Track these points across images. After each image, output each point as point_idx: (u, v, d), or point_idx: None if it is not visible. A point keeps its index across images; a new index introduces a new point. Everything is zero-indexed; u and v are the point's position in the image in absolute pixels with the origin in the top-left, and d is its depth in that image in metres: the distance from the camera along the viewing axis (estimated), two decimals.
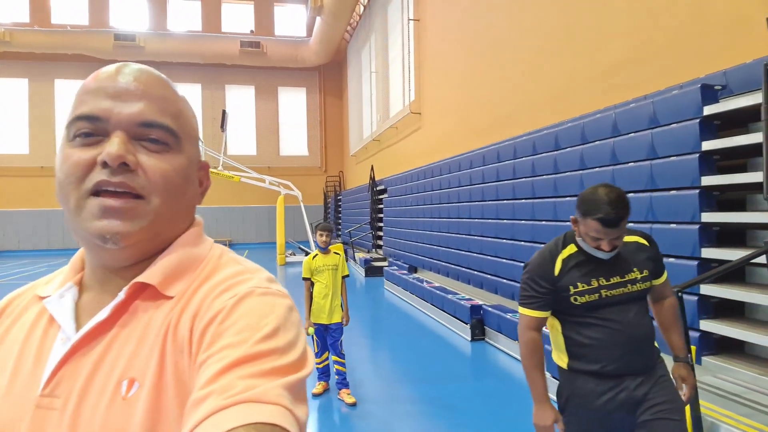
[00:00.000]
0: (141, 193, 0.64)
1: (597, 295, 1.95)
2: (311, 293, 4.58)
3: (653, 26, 5.31)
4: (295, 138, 27.09)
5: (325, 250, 4.64)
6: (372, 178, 16.42)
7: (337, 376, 4.61)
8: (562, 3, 6.89)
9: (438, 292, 7.85)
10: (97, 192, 0.63)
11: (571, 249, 2.03)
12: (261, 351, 0.56)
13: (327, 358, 4.71)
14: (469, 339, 6.52)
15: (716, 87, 4.01)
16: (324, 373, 4.75)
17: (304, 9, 26.08)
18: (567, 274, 2.00)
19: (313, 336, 4.63)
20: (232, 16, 25.65)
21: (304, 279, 4.61)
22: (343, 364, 4.60)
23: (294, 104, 27.08)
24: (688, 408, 2.90)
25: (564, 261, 2.02)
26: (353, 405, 4.42)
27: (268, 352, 0.56)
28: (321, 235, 4.62)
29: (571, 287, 1.97)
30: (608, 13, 5.97)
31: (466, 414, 4.17)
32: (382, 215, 15.24)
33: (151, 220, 0.65)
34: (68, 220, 0.67)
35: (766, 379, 3.36)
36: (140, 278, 0.66)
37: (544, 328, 2.10)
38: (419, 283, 8.76)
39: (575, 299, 1.97)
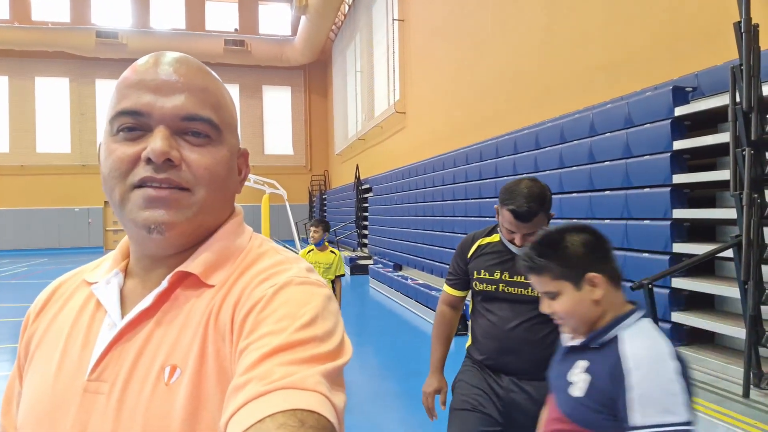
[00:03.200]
0: (186, 187, 0.65)
1: (495, 287, 1.97)
2: None
3: (629, 30, 5.48)
4: (279, 137, 27.02)
5: (320, 247, 4.57)
6: (357, 177, 16.49)
7: None
8: (544, 6, 7.05)
9: (423, 289, 7.97)
10: (141, 185, 0.64)
11: (494, 238, 2.05)
12: (300, 339, 0.56)
13: None
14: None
15: (687, 89, 4.17)
16: None
17: (288, 8, 26.04)
18: (477, 258, 2.04)
19: None
20: (216, 14, 25.48)
21: None
22: None
23: (279, 103, 27.01)
24: None
25: (480, 246, 2.06)
26: None
27: (307, 340, 0.57)
28: (315, 231, 4.55)
29: (475, 272, 2.02)
30: (587, 17, 6.13)
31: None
32: (367, 214, 15.33)
33: (195, 212, 0.66)
34: (114, 211, 0.68)
35: (735, 368, 3.52)
36: (182, 267, 0.67)
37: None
38: (404, 281, 8.87)
39: (476, 285, 2.02)
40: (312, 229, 4.57)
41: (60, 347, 0.69)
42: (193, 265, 0.67)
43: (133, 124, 0.65)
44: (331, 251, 4.65)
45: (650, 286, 3.01)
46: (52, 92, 23.61)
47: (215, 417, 0.59)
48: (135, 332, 0.65)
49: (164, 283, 0.66)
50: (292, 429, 0.47)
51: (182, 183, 0.65)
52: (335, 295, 4.66)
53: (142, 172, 0.63)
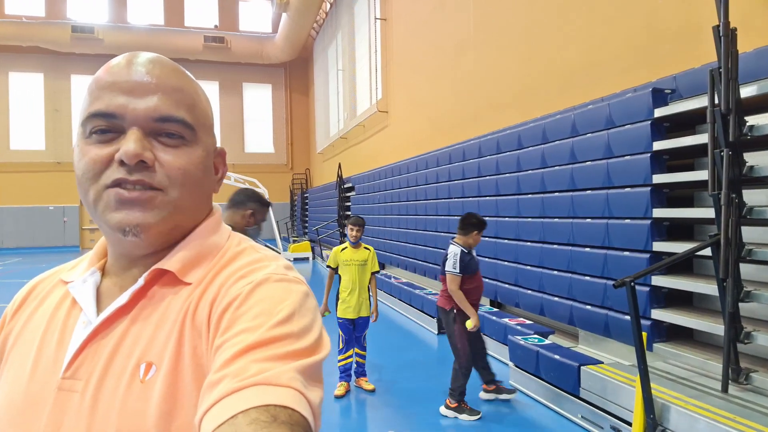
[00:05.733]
0: (159, 187, 0.65)
1: None
2: (332, 282, 4.68)
3: (609, 33, 5.57)
4: (260, 135, 26.80)
5: (355, 244, 4.62)
6: (340, 176, 16.45)
7: (356, 366, 4.69)
8: (525, 6, 7.11)
9: (406, 287, 7.99)
10: (114, 186, 0.64)
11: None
12: (275, 335, 0.57)
13: (351, 356, 4.66)
14: (436, 333, 6.68)
15: (666, 90, 4.26)
16: (345, 372, 4.64)
17: (269, 5, 25.83)
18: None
19: (339, 331, 4.66)
20: (196, 10, 25.15)
21: (329, 267, 4.69)
22: (363, 357, 4.69)
23: (259, 101, 26.79)
24: (639, 390, 3.11)
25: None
26: (372, 391, 4.54)
27: (283, 337, 0.57)
28: (351, 230, 4.58)
29: None
30: (568, 19, 6.21)
31: (427, 400, 4.31)
32: (350, 213, 15.30)
33: (170, 212, 0.67)
34: (89, 213, 0.68)
35: (714, 363, 3.61)
36: (159, 265, 0.67)
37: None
38: (387, 280, 8.88)
39: None
40: (351, 227, 4.59)
41: (35, 346, 0.68)
42: (170, 262, 0.68)
43: (106, 126, 0.64)
44: (365, 248, 4.70)
45: (632, 284, 3.07)
46: (26, 88, 23.07)
47: (191, 413, 0.59)
48: (110, 330, 0.65)
49: (141, 281, 0.66)
50: (264, 424, 0.48)
51: (155, 184, 0.65)
52: (371, 291, 4.67)
53: (116, 173, 0.63)
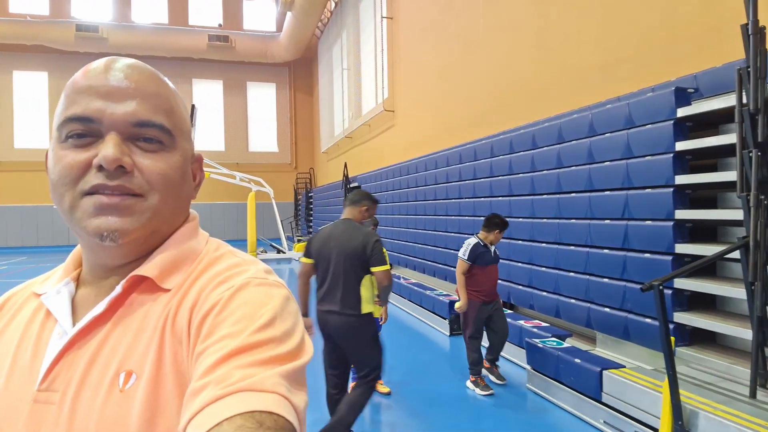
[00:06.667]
0: (138, 193, 0.64)
1: None
2: None
3: (625, 31, 5.50)
4: (264, 134, 26.77)
5: None
6: (346, 175, 16.40)
7: None
8: (537, 4, 7.05)
9: (416, 288, 7.93)
10: (92, 192, 0.63)
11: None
12: (258, 341, 0.56)
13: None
14: (448, 334, 6.62)
15: (689, 90, 4.19)
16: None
17: (273, 4, 25.79)
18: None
19: None
20: (200, 9, 25.14)
21: None
22: None
23: (263, 100, 26.76)
24: (666, 395, 3.05)
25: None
26: (388, 394, 4.51)
27: (265, 342, 0.56)
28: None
29: None
30: (582, 17, 6.15)
31: (442, 403, 4.25)
32: None
33: (149, 217, 0.65)
34: (64, 219, 0.66)
35: (738, 368, 3.54)
36: (137, 271, 0.66)
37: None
38: (396, 280, 8.82)
39: None
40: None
41: (9, 359, 0.67)
42: (148, 268, 0.66)
43: (83, 130, 0.63)
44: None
45: (661, 287, 3.00)
46: (30, 87, 23.07)
47: (173, 421, 0.58)
48: (87, 339, 0.64)
49: (118, 288, 0.65)
50: (250, 430, 0.47)
51: (135, 189, 0.64)
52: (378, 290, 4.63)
53: (94, 179, 0.62)
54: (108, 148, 0.62)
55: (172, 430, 0.58)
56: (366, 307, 3.45)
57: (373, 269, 3.40)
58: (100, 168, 0.62)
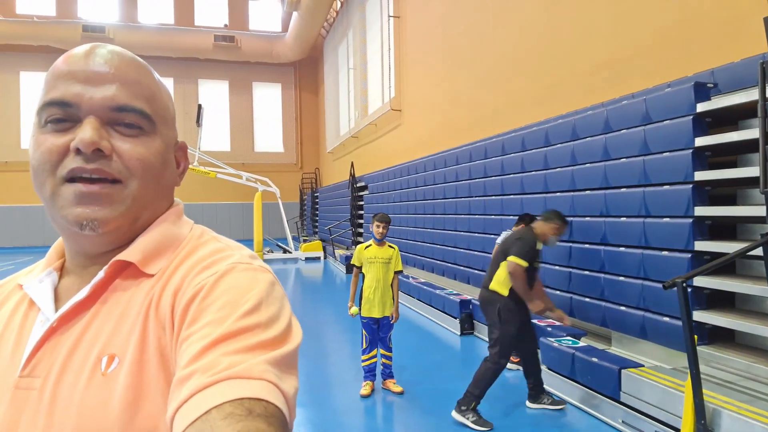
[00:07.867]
0: (118, 178, 0.64)
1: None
2: (357, 280, 4.63)
3: (636, 27, 5.45)
4: (270, 134, 26.80)
5: (380, 241, 4.57)
6: (352, 175, 16.37)
7: (382, 367, 4.62)
8: (546, 1, 6.99)
9: (426, 287, 7.88)
10: (72, 179, 0.62)
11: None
12: (244, 326, 0.55)
13: (375, 356, 4.57)
14: (459, 333, 6.58)
15: (708, 85, 4.13)
16: (370, 372, 4.55)
17: (279, 4, 25.81)
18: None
19: (362, 330, 4.58)
20: (206, 9, 25.19)
21: (353, 266, 4.65)
22: (390, 357, 4.61)
23: (269, 100, 26.79)
24: (689, 394, 2.99)
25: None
26: (401, 393, 4.46)
27: (251, 327, 0.56)
28: (378, 226, 4.53)
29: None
30: (593, 12, 6.09)
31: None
32: (362, 212, 15.21)
33: (129, 205, 0.65)
34: (45, 207, 0.65)
35: (760, 366, 3.49)
36: (120, 256, 0.65)
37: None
38: (405, 280, 8.77)
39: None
40: (378, 224, 4.54)
41: None
42: (131, 253, 0.66)
43: (61, 115, 0.63)
44: (390, 246, 4.63)
45: (684, 284, 2.95)
46: (36, 87, 23.13)
47: (156, 405, 0.58)
48: (70, 325, 0.64)
49: (101, 273, 0.64)
50: (239, 418, 0.47)
51: (114, 174, 0.63)
52: (392, 291, 4.58)
53: (72, 163, 0.62)
54: (85, 131, 0.61)
55: (156, 413, 0.58)
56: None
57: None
58: (78, 152, 0.61)
